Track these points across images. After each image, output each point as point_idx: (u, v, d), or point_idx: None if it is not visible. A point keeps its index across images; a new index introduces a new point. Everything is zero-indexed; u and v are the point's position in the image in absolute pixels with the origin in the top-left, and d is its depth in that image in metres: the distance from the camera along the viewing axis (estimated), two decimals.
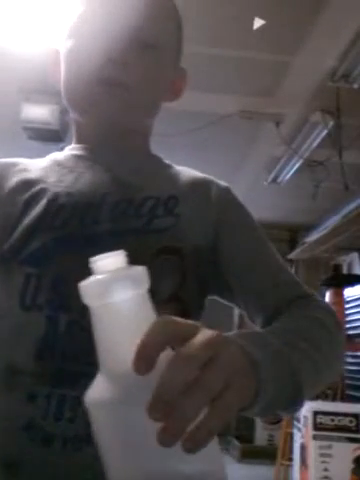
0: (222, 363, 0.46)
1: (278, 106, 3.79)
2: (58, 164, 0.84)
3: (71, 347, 0.68)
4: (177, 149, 3.55)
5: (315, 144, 4.14)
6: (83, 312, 0.66)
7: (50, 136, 3.76)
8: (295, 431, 3.53)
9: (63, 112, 3.70)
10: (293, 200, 5.59)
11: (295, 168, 4.64)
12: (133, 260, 0.68)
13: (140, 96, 0.82)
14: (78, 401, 0.63)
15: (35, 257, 0.72)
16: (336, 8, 2.79)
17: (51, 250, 0.73)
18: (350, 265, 6.40)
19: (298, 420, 3.41)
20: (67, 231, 0.74)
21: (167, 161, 0.92)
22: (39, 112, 3.62)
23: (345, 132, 3.74)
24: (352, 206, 4.89)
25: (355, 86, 3.36)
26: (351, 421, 3.08)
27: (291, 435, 3.79)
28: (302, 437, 3.29)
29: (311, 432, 3.10)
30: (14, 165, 0.84)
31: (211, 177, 0.90)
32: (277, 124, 3.96)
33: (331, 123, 3.76)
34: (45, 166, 0.84)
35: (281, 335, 0.64)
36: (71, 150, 0.87)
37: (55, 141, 3.75)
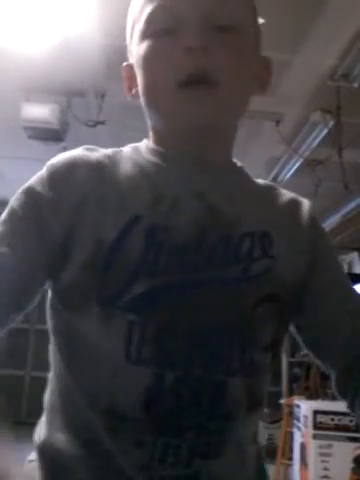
0: None
1: (278, 105, 3.79)
2: (144, 175, 0.74)
3: (175, 403, 0.68)
4: None
5: (315, 143, 4.14)
6: (187, 369, 0.68)
7: (50, 135, 3.76)
8: (295, 430, 3.53)
9: (63, 111, 3.70)
10: None
11: (295, 167, 4.64)
12: (233, 311, 0.70)
13: (230, 89, 0.71)
14: (180, 448, 0.67)
15: (138, 304, 0.68)
16: (336, 8, 2.79)
17: (154, 298, 0.69)
18: (350, 265, 6.40)
19: (298, 419, 3.41)
20: (169, 278, 0.69)
21: (247, 172, 0.83)
22: (39, 111, 3.63)
23: (345, 131, 3.74)
24: (352, 206, 4.89)
25: (355, 85, 3.36)
26: (351, 420, 3.07)
27: (291, 434, 3.79)
28: (302, 436, 3.28)
29: (311, 431, 3.10)
30: (96, 169, 0.73)
31: (295, 195, 0.83)
32: (277, 123, 3.96)
33: (331, 122, 3.77)
34: (132, 175, 0.74)
35: None
36: (153, 155, 0.77)
37: (55, 140, 3.75)
